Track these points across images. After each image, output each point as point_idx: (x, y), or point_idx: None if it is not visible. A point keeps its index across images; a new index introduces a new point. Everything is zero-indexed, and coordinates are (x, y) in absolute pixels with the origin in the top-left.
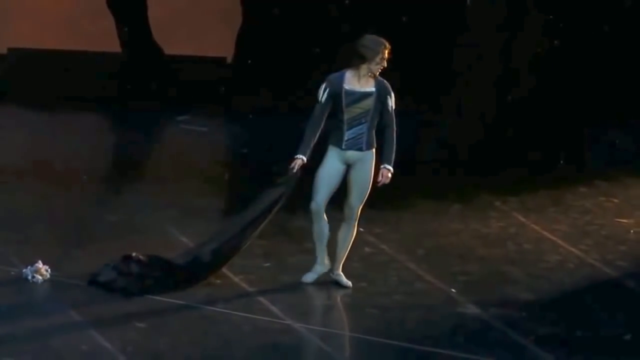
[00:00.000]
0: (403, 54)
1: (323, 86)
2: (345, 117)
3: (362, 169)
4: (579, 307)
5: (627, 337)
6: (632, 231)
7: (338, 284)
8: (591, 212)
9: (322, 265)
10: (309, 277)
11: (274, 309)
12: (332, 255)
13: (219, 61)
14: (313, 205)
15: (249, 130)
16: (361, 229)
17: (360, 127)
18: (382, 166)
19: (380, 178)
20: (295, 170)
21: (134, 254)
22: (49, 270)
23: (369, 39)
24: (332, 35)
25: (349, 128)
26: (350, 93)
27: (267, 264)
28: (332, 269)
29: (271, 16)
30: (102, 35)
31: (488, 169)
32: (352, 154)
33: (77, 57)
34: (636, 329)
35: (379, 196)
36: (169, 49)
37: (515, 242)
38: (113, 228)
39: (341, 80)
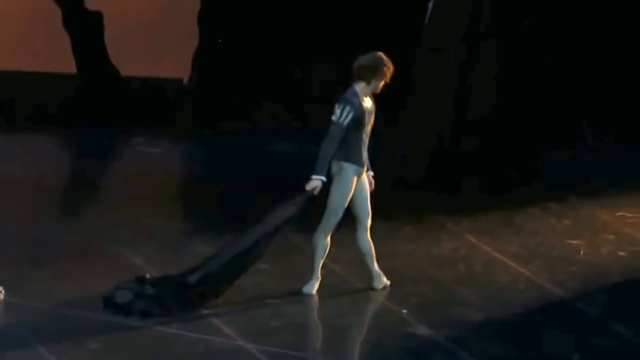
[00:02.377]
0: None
1: (347, 109)
2: (363, 135)
3: (364, 181)
4: (529, 327)
5: (576, 357)
6: (582, 252)
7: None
8: (542, 233)
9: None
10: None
11: (226, 329)
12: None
13: (175, 82)
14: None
15: (205, 151)
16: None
17: (367, 142)
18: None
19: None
20: (316, 193)
21: (147, 275)
22: (3, 291)
23: (373, 59)
24: (289, 56)
25: (364, 145)
26: (368, 112)
27: None
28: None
29: (227, 37)
30: (57, 56)
31: (442, 187)
32: (363, 170)
33: (32, 77)
34: (585, 349)
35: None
36: (124, 70)
37: (466, 263)
38: (67, 249)
39: (359, 100)
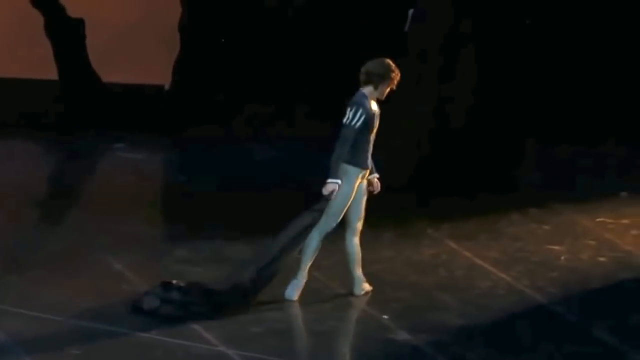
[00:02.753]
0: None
1: (360, 112)
2: (371, 138)
3: (363, 184)
4: (509, 333)
5: None
6: (562, 258)
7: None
8: (522, 239)
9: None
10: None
11: (207, 335)
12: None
13: (156, 89)
14: (336, 226)
15: (187, 158)
16: (298, 256)
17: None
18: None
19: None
20: (333, 197)
21: (174, 281)
22: None
23: (381, 65)
24: (269, 62)
25: (369, 148)
26: (376, 116)
27: None
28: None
29: (209, 44)
30: (39, 62)
31: (422, 193)
32: (366, 172)
33: (14, 84)
34: (565, 355)
35: None
36: (106, 77)
37: (447, 269)
38: (48, 255)
39: (369, 103)
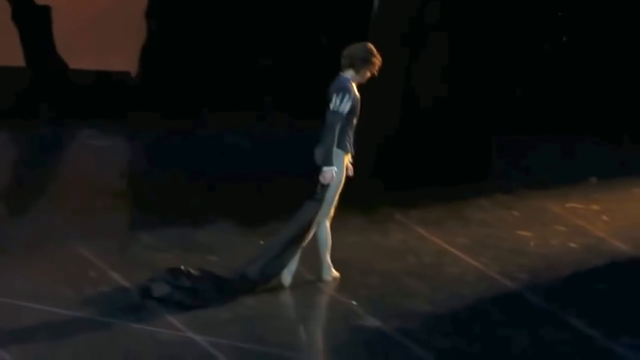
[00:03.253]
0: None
1: (347, 97)
2: (354, 122)
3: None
4: (479, 319)
5: (527, 349)
6: (531, 244)
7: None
8: (491, 225)
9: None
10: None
11: (175, 321)
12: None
13: (123, 76)
14: (332, 212)
15: (155, 145)
16: (261, 242)
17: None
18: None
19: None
20: (330, 183)
21: (182, 267)
22: None
23: (363, 49)
24: (235, 51)
25: (352, 132)
26: (359, 100)
27: None
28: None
29: (176, 32)
30: (6, 49)
31: (390, 179)
32: (349, 156)
33: None
34: (535, 341)
35: (280, 209)
36: (73, 64)
37: (416, 255)
38: (16, 242)
39: (353, 88)
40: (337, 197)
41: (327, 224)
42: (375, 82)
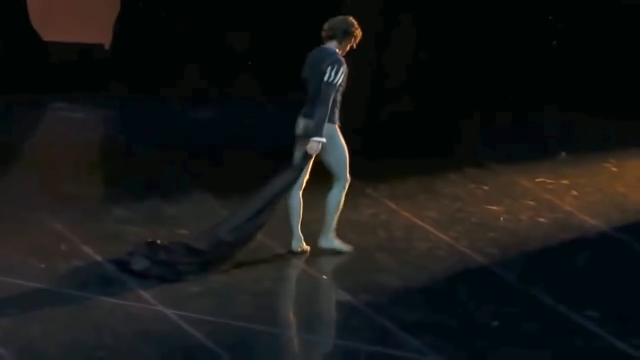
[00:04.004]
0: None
1: (340, 69)
2: (342, 94)
3: None
4: (449, 294)
5: (495, 323)
6: (501, 218)
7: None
8: (461, 199)
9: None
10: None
11: (145, 295)
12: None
13: (96, 48)
14: (349, 179)
15: (125, 117)
16: None
17: None
18: None
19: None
20: (314, 154)
21: (158, 241)
22: None
23: (345, 21)
24: (208, 22)
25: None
26: (347, 72)
27: None
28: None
29: (150, 2)
30: None
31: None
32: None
33: None
34: (504, 316)
35: (251, 183)
36: (47, 36)
37: (386, 229)
38: None
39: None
40: (348, 169)
41: (300, 193)
42: (346, 59)
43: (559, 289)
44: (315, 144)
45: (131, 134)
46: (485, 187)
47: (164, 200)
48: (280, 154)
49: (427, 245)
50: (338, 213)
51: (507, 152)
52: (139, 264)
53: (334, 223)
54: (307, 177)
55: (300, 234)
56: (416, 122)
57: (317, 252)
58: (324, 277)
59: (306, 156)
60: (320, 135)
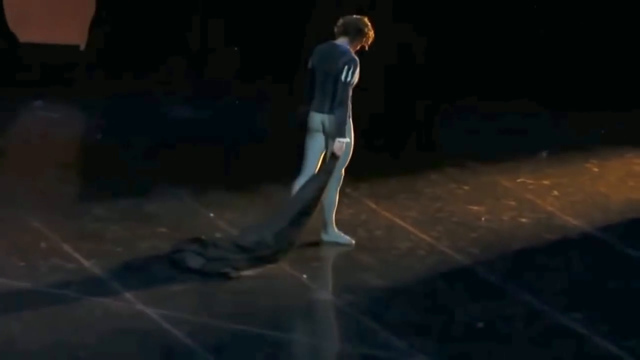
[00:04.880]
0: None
1: (357, 69)
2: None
3: None
4: (431, 294)
5: (479, 324)
6: (482, 218)
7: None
8: (442, 199)
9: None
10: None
11: (125, 293)
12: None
13: (72, 48)
14: (343, 175)
15: (103, 116)
16: (211, 214)
17: None
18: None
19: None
20: (340, 154)
21: (203, 237)
22: None
23: (359, 19)
24: (184, 23)
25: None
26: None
27: (119, 249)
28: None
29: (124, 3)
30: None
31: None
32: None
33: None
34: (488, 315)
35: (230, 181)
36: (23, 36)
37: (366, 229)
38: None
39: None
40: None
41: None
42: None
43: (542, 289)
44: (339, 145)
45: (109, 133)
46: (466, 187)
47: (144, 198)
48: (258, 150)
49: (408, 245)
50: (334, 208)
51: (489, 151)
52: (194, 261)
53: (332, 217)
54: (343, 173)
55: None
56: (389, 119)
57: (298, 252)
58: (305, 276)
59: (333, 157)
60: (344, 136)
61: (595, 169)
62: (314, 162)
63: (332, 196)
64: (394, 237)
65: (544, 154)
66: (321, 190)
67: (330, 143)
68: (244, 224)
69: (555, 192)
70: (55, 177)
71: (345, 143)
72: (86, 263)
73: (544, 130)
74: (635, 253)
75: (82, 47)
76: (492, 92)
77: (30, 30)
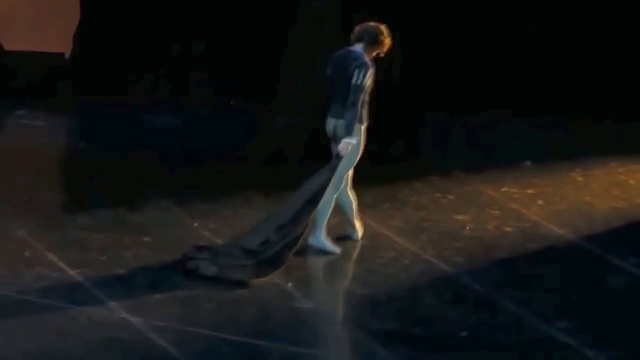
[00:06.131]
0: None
1: (368, 72)
2: (369, 95)
3: None
4: (415, 303)
5: (463, 333)
6: (467, 227)
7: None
8: (427, 208)
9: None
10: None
11: (110, 302)
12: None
13: (56, 56)
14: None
15: (86, 125)
16: (195, 224)
17: None
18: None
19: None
20: (345, 154)
21: (209, 244)
22: None
23: (377, 26)
24: (168, 33)
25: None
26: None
27: (103, 258)
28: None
29: (109, 11)
30: None
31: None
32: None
33: None
34: (472, 325)
35: (214, 190)
36: (7, 45)
37: (351, 238)
38: None
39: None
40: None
41: (348, 190)
42: (308, 67)
43: (526, 299)
44: (345, 145)
45: (93, 142)
46: (451, 196)
47: (128, 207)
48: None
49: (393, 254)
50: (329, 212)
51: (473, 160)
52: (208, 269)
53: (324, 222)
54: (351, 173)
55: (359, 223)
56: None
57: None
58: (289, 285)
59: (338, 156)
60: (351, 136)
61: (580, 178)
62: None
63: (329, 199)
64: (378, 246)
65: (528, 163)
66: (325, 185)
67: (337, 145)
68: (228, 234)
69: (540, 201)
70: (39, 186)
71: (352, 146)
72: (70, 272)
73: (528, 140)
74: (619, 262)
75: (68, 55)
76: (475, 103)
77: (15, 38)
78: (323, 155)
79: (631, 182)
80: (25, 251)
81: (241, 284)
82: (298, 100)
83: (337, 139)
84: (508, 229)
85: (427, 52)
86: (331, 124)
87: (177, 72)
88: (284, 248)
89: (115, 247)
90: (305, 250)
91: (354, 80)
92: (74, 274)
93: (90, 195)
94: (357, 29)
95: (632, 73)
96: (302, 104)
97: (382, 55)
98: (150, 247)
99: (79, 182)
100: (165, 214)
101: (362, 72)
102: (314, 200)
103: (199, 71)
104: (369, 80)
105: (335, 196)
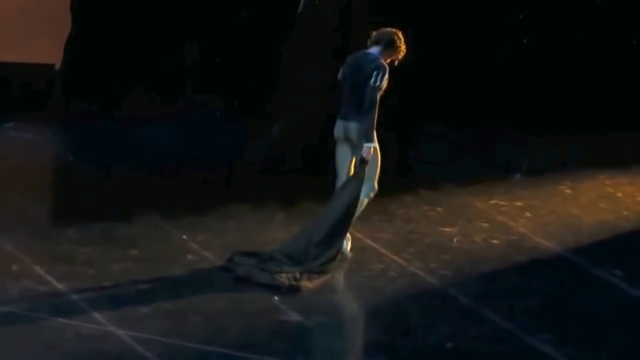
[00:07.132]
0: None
1: (385, 75)
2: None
3: None
4: (402, 315)
5: (449, 345)
6: (455, 240)
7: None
8: (415, 221)
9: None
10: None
11: (97, 315)
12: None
13: (47, 68)
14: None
15: (76, 137)
16: (184, 236)
17: None
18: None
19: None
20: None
21: (256, 251)
22: None
23: (394, 32)
24: (160, 42)
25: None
26: None
27: (91, 271)
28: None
29: (100, 24)
30: None
31: (314, 173)
32: None
33: None
34: (458, 337)
35: (202, 203)
36: None
37: None
38: None
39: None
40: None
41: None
42: (301, 77)
43: (513, 311)
44: (367, 150)
45: (82, 155)
46: (439, 209)
47: (116, 221)
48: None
49: (380, 266)
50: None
51: (461, 173)
52: (262, 277)
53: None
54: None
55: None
56: None
57: None
58: (276, 298)
59: (362, 162)
60: (372, 141)
61: (568, 191)
62: (343, 170)
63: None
64: (365, 259)
65: (517, 175)
66: (357, 193)
67: (356, 149)
68: (217, 246)
69: (528, 214)
70: (27, 199)
71: (374, 149)
72: (58, 285)
73: (517, 153)
74: (605, 275)
75: (58, 66)
76: (465, 116)
77: (3, 49)
78: (319, 161)
79: (619, 194)
80: (13, 264)
81: (292, 290)
82: (290, 100)
83: (349, 142)
84: (495, 241)
85: (419, 66)
86: (341, 126)
87: (167, 85)
88: (326, 262)
89: (103, 261)
90: None
91: (372, 81)
92: (61, 287)
93: (78, 208)
94: (374, 33)
95: (620, 87)
96: (295, 106)
97: (395, 62)
98: (138, 261)
99: (67, 196)
100: (153, 227)
101: (380, 74)
102: (348, 213)
103: (189, 83)
104: (385, 82)
105: (366, 200)
